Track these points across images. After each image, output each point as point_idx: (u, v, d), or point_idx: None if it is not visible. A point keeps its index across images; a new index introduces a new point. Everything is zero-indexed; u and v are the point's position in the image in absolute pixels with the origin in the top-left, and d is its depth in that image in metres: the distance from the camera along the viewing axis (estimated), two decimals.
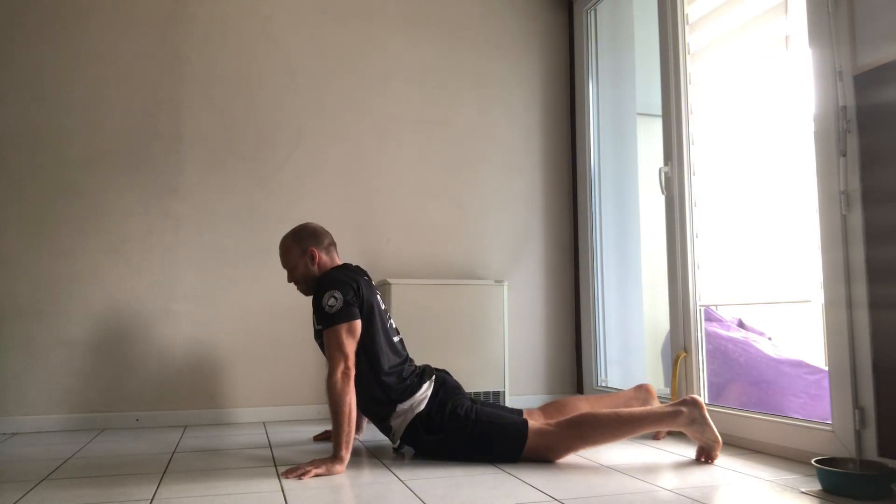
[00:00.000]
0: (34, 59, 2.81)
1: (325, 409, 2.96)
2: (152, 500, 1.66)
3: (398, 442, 2.16)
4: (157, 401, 2.81)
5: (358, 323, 2.07)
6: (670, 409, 2.07)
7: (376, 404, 2.15)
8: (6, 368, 2.67)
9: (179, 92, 2.96)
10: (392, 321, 2.29)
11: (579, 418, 2.05)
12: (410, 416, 2.11)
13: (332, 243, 2.28)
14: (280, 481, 1.83)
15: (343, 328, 2.03)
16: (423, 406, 2.12)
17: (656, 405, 2.10)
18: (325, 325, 2.05)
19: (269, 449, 2.31)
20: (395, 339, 2.24)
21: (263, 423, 2.87)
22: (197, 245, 2.92)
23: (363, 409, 2.18)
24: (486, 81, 3.39)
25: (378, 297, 2.23)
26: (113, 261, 2.82)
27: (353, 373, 2.00)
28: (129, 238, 2.85)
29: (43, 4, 2.84)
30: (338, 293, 2.05)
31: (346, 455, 1.94)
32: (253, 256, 2.97)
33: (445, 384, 2.19)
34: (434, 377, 2.20)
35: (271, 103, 3.07)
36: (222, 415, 2.86)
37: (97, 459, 2.14)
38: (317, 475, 1.88)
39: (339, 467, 1.92)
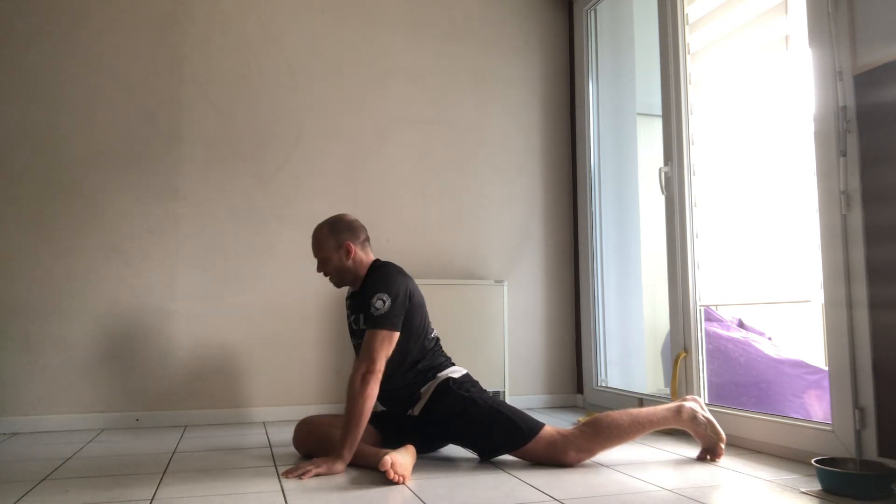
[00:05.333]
0: (34, 58, 2.81)
1: (324, 408, 2.96)
2: (152, 500, 1.66)
3: (420, 409, 2.14)
4: (157, 401, 2.81)
5: (397, 335, 2.07)
6: (672, 406, 2.08)
7: (416, 374, 2.16)
8: (6, 368, 2.67)
9: (179, 92, 2.96)
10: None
11: (596, 419, 2.05)
12: (443, 378, 2.14)
13: (367, 238, 2.26)
14: (280, 481, 1.83)
15: (382, 335, 2.03)
16: (457, 374, 2.17)
17: (660, 406, 2.10)
18: (369, 325, 2.05)
19: (269, 449, 2.31)
20: (432, 334, 2.28)
21: (263, 423, 2.87)
22: (197, 245, 2.92)
23: (401, 385, 2.16)
24: (486, 81, 3.39)
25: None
26: (113, 261, 2.82)
27: (374, 377, 1.98)
28: (129, 238, 2.85)
29: (43, 4, 2.84)
30: (386, 296, 2.05)
31: (349, 455, 1.93)
32: (253, 256, 2.97)
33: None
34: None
35: (271, 103, 3.07)
36: (222, 415, 2.86)
37: (97, 459, 2.14)
38: (317, 475, 1.87)
39: (339, 467, 1.91)
